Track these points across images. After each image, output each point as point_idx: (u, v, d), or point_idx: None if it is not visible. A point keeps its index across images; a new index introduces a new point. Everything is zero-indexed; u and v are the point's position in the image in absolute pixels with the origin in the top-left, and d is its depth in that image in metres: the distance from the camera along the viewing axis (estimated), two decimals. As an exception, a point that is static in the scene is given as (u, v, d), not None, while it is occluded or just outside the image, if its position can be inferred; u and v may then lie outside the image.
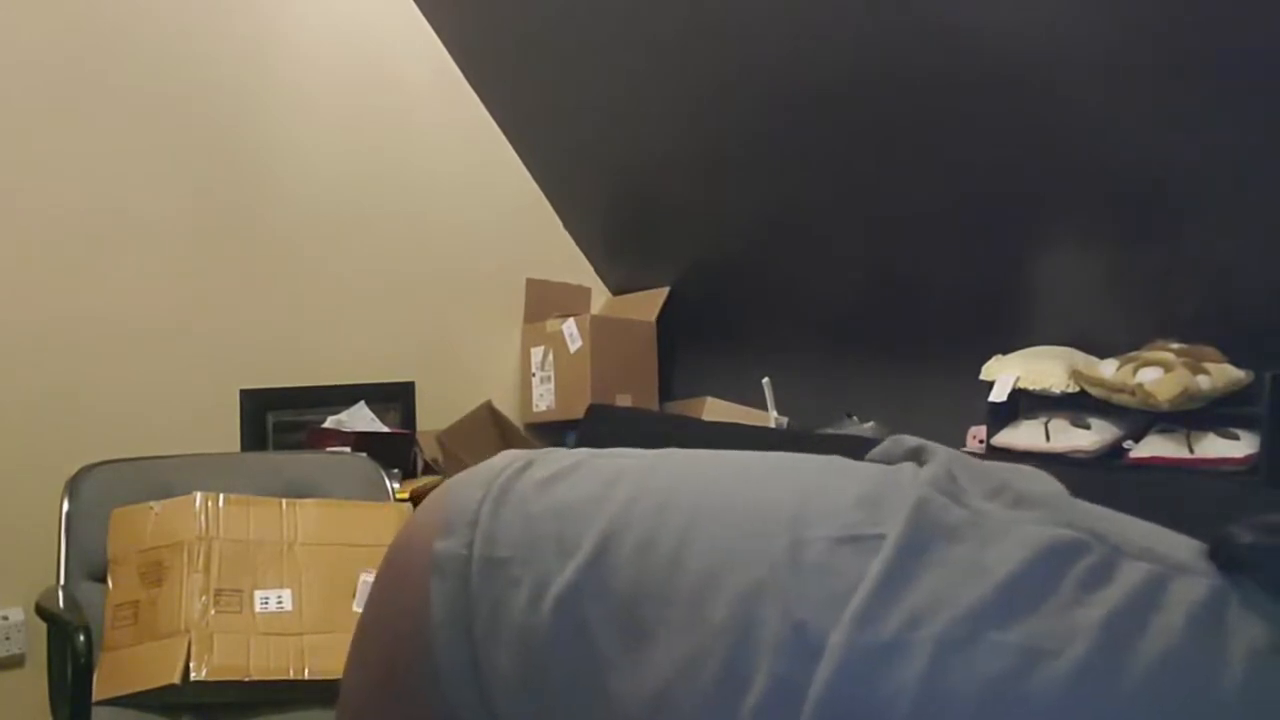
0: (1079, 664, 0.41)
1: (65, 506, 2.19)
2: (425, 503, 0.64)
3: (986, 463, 0.55)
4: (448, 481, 0.64)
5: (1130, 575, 0.44)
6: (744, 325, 3.21)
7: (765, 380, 2.98)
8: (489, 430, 3.20)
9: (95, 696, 1.96)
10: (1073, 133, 2.08)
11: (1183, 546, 0.45)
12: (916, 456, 0.55)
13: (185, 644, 1.95)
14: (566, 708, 0.53)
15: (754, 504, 0.53)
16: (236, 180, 2.86)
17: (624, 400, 3.21)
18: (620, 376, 3.21)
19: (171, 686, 1.93)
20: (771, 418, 2.95)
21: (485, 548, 0.57)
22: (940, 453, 0.54)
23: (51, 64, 2.57)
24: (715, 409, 3.08)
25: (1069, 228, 2.27)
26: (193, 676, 1.93)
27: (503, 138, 3.31)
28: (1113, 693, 0.41)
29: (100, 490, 2.22)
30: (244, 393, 2.85)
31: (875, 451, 0.59)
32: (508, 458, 0.62)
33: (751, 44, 2.45)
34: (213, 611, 2.01)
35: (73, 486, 2.22)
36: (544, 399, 3.28)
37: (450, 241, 3.22)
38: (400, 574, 0.62)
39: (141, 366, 2.69)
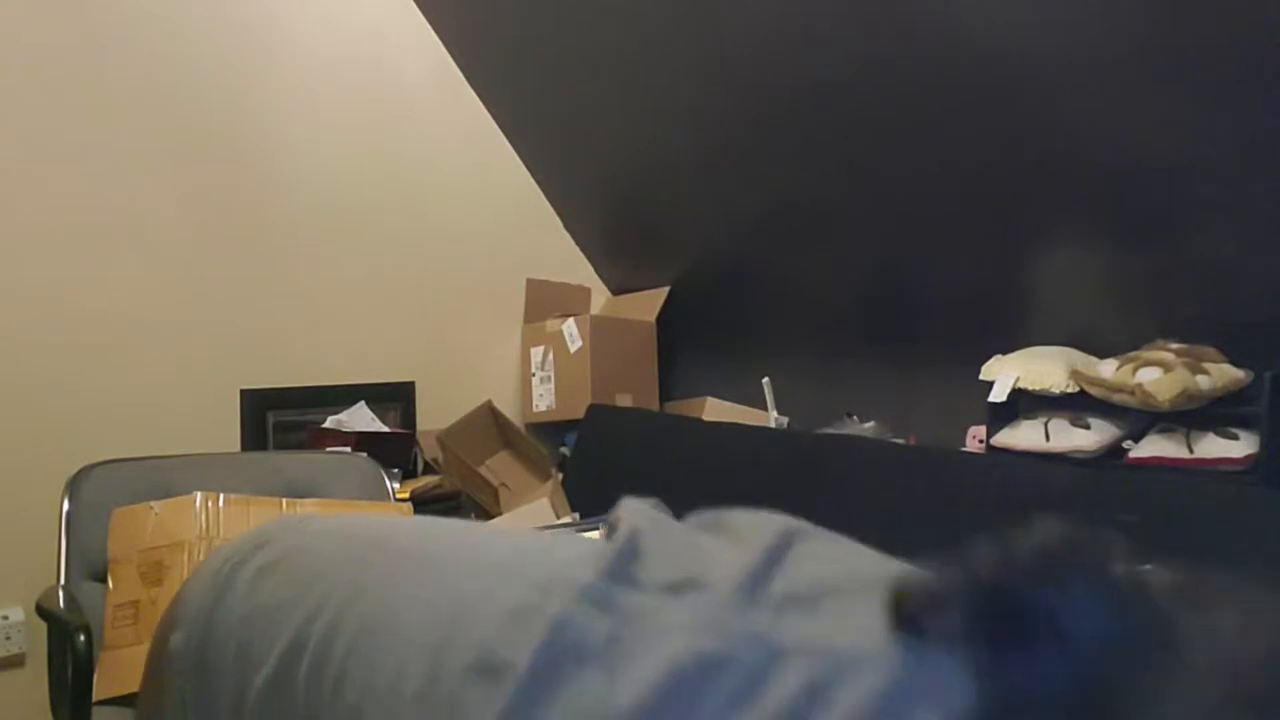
0: None
1: (65, 506, 2.19)
2: (183, 584, 0.64)
3: (693, 528, 0.52)
4: (198, 565, 0.64)
5: (780, 691, 0.38)
6: (744, 325, 3.21)
7: (765, 380, 2.98)
8: (489, 430, 3.20)
9: (96, 696, 1.95)
10: (1073, 132, 2.08)
11: (878, 617, 0.39)
12: (612, 530, 0.51)
13: (185, 644, 1.95)
14: None
15: (408, 626, 0.49)
16: (237, 181, 2.86)
17: (624, 400, 3.21)
18: (620, 376, 3.21)
19: (172, 686, 1.93)
20: (771, 418, 2.96)
21: (201, 651, 0.57)
22: (627, 528, 0.50)
23: (51, 63, 2.57)
24: (715, 409, 3.08)
25: (1069, 227, 2.27)
26: (193, 676, 1.92)
27: (503, 138, 3.31)
28: None
29: (100, 490, 2.22)
30: (244, 392, 2.85)
31: (613, 512, 0.56)
32: (248, 539, 0.61)
33: (752, 43, 2.45)
34: (213, 611, 2.00)
35: (73, 486, 2.22)
36: (544, 399, 3.28)
37: (450, 241, 3.22)
38: (153, 662, 0.62)
39: (142, 366, 2.69)
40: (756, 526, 0.51)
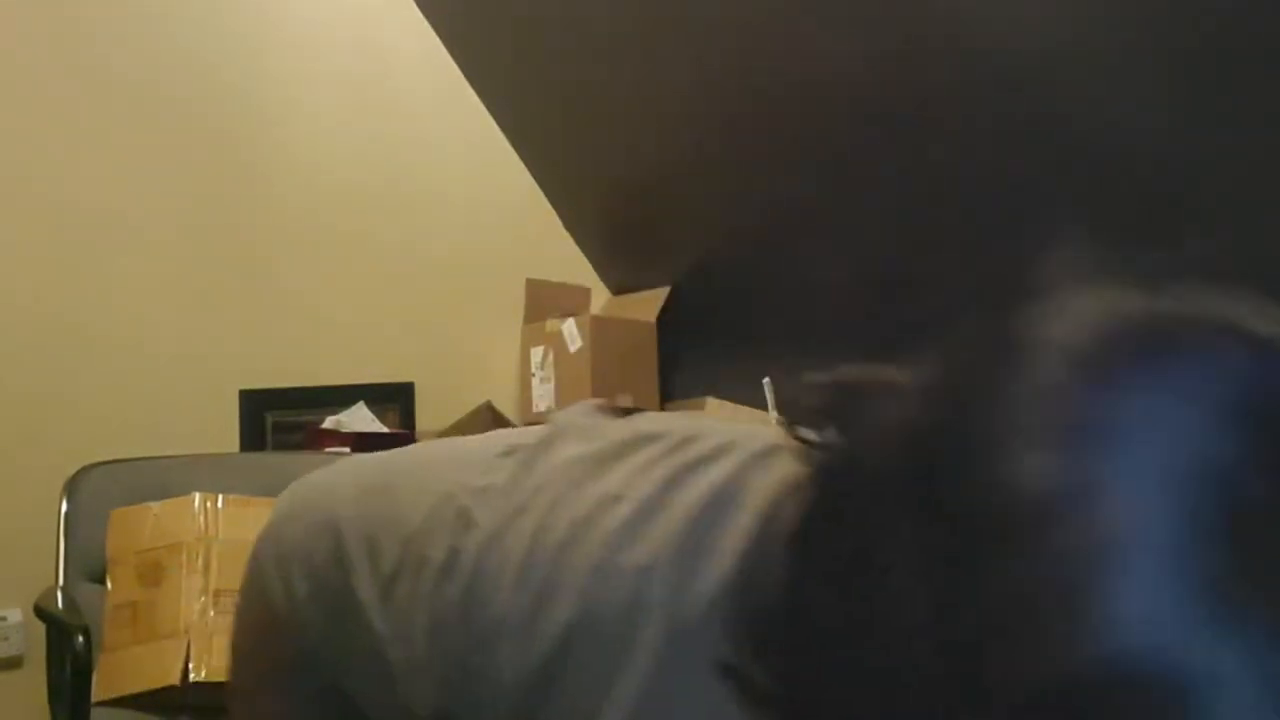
0: (639, 505, 0.56)
1: (64, 507, 2.19)
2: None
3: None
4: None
5: (692, 449, 0.59)
6: (745, 325, 3.20)
7: (766, 381, 2.97)
8: (489, 430, 3.19)
9: (94, 698, 1.95)
10: (1075, 132, 2.08)
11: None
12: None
13: (184, 645, 1.95)
14: None
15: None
16: (235, 180, 2.86)
17: (624, 401, 3.20)
18: (620, 376, 3.20)
19: (171, 688, 1.92)
20: (772, 418, 2.95)
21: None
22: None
23: (47, 63, 2.56)
24: (715, 409, 3.07)
25: (1074, 226, 2.26)
26: (192, 678, 1.92)
27: (503, 138, 3.30)
28: (654, 527, 0.54)
29: (99, 491, 2.21)
30: (243, 393, 2.85)
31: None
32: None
33: (754, 41, 2.45)
34: (212, 613, 2.00)
35: (71, 487, 2.21)
36: (544, 399, 3.28)
37: (450, 241, 3.21)
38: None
39: (140, 367, 2.69)
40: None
